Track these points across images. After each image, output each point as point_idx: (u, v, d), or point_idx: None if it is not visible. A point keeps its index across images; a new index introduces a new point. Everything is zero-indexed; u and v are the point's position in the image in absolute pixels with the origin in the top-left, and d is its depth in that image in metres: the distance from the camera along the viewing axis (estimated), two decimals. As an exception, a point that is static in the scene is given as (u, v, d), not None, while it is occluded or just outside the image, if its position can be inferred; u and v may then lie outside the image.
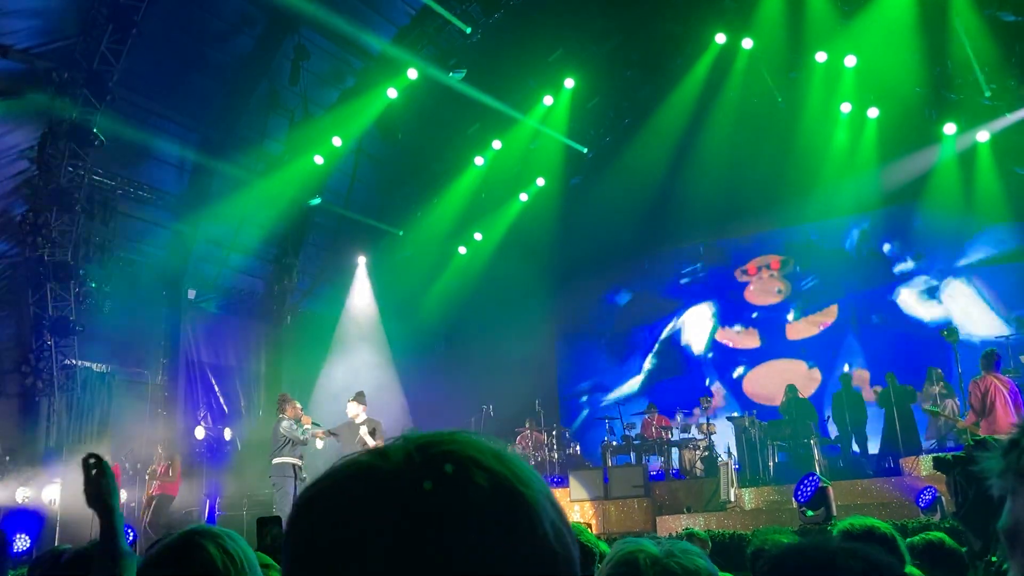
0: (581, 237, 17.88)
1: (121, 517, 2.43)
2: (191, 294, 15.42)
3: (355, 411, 10.99)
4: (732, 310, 18.53)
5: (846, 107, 16.08)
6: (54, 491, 12.36)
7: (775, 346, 17.76)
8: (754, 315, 18.27)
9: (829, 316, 17.53)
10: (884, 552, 1.87)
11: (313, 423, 11.11)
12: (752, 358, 17.97)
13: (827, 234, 17.56)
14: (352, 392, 11.47)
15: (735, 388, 17.91)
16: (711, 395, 15.18)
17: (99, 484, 2.40)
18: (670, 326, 18.97)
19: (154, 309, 14.99)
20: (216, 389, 15.83)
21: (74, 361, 13.26)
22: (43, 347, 12.91)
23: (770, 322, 18.04)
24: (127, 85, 13.39)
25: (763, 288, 18.40)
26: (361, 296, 17.73)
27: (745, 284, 18.59)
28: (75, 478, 12.19)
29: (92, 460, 2.40)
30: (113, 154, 13.74)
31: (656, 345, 19.00)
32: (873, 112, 15.94)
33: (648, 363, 18.97)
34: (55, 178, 13.05)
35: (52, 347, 12.95)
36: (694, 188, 16.54)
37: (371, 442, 10.57)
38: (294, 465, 10.82)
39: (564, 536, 0.76)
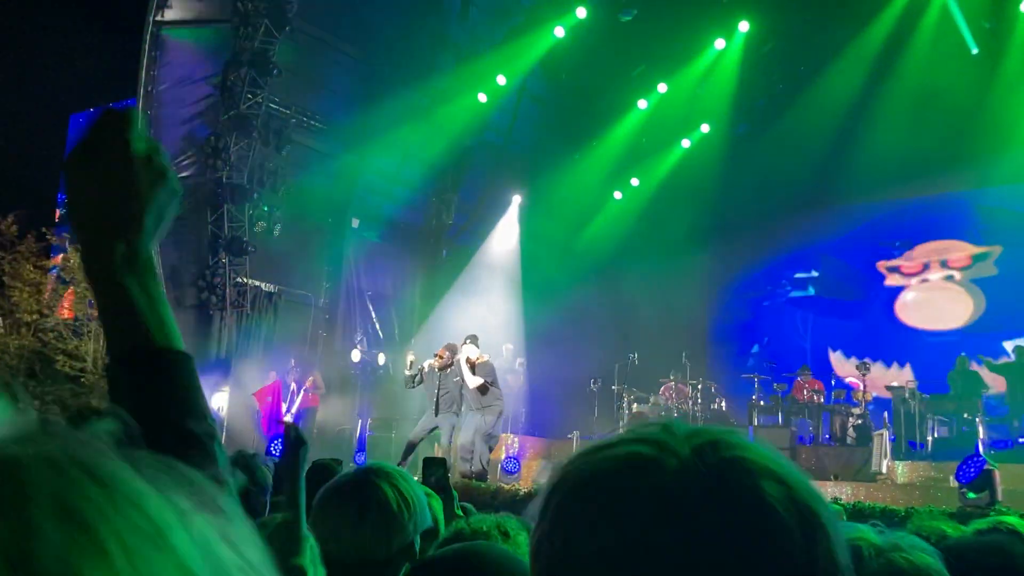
0: (744, 189, 17.12)
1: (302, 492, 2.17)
2: (355, 223, 15.93)
3: (476, 354, 11.20)
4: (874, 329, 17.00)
5: (1051, 61, 14.59)
6: (222, 399, 13.26)
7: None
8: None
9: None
10: None
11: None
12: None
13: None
14: (460, 336, 11.73)
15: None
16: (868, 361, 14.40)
17: (293, 459, 2.12)
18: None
19: (320, 235, 15.59)
20: (373, 315, 16.39)
21: (245, 280, 14.02)
22: (218, 265, 13.70)
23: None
24: (304, 17, 13.77)
25: (930, 297, 16.88)
26: (507, 235, 17.83)
27: (898, 289, 17.13)
28: (241, 389, 13.05)
29: (293, 433, 2.16)
30: (289, 84, 14.25)
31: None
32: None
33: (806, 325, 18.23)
34: (236, 105, 13.67)
35: (226, 265, 13.72)
36: (871, 144, 15.49)
37: (467, 374, 10.91)
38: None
39: (841, 561, 0.68)
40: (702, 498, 0.65)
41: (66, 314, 13.18)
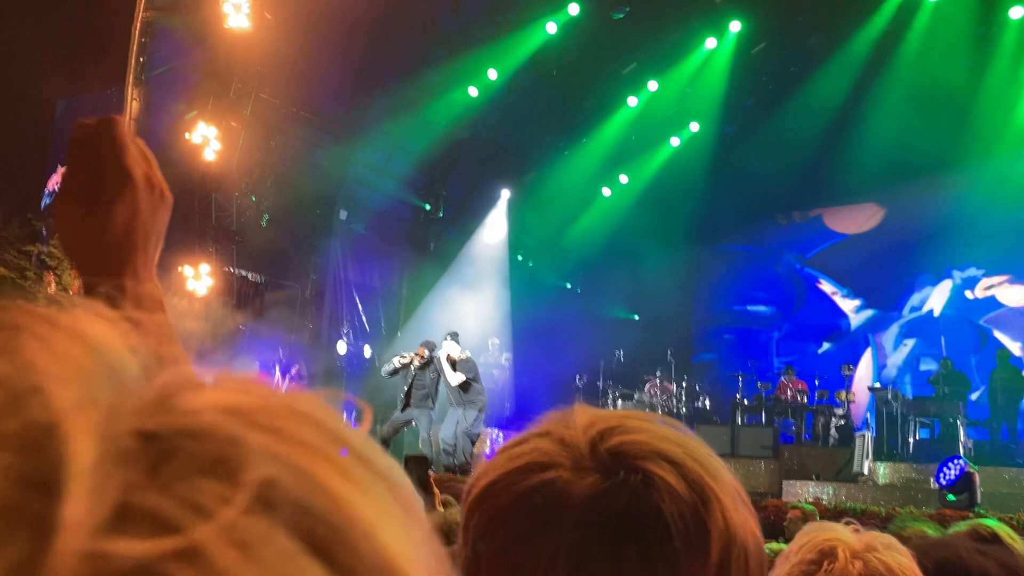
0: (732, 188, 17.26)
1: None
2: (343, 214, 15.90)
3: (457, 351, 11.22)
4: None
5: (1037, 70, 14.74)
6: (206, 389, 13.20)
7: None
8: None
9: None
10: (1015, 554, 1.88)
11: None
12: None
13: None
14: (447, 329, 11.82)
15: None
16: (854, 364, 14.56)
17: None
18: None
19: (307, 226, 15.55)
20: (359, 307, 16.37)
21: (231, 269, 13.99)
22: (204, 254, 13.67)
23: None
24: (296, 8, 13.72)
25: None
26: (495, 229, 17.90)
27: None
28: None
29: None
30: (278, 74, 14.21)
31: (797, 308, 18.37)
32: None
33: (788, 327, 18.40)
34: (225, 93, 13.62)
35: (213, 253, 13.70)
36: (857, 149, 15.64)
37: (449, 371, 11.00)
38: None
39: (736, 528, 0.72)
40: (594, 490, 0.69)
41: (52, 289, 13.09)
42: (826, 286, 18.20)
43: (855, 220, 17.81)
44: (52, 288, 13.31)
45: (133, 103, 13.42)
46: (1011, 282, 16.07)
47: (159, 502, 0.28)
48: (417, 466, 3.51)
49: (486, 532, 0.71)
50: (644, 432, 0.73)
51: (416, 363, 11.27)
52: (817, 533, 1.32)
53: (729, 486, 0.73)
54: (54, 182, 15.25)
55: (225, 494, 0.28)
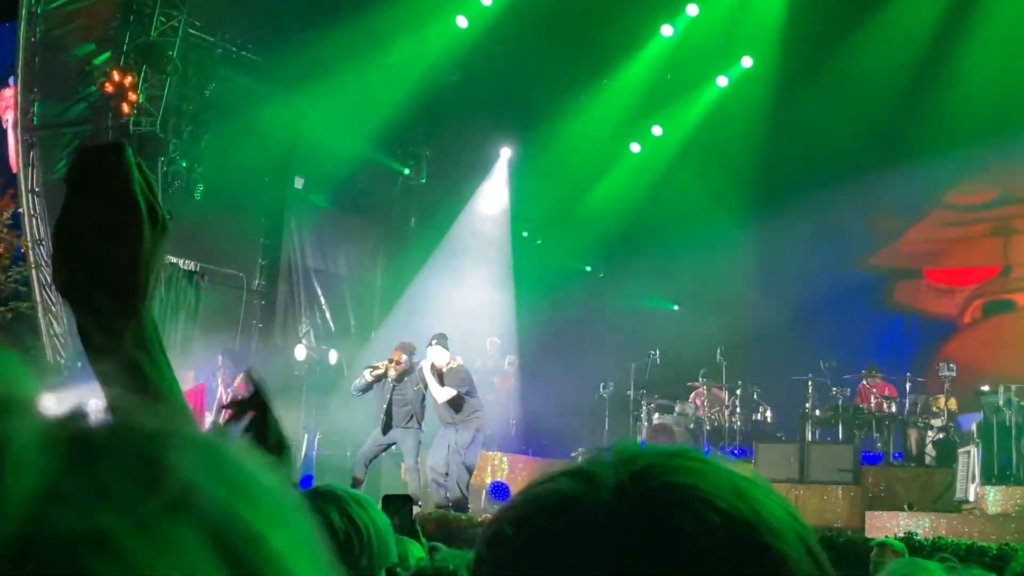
0: (797, 140, 17.09)
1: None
2: (298, 183, 15.86)
3: (445, 359, 11.16)
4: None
5: None
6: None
7: None
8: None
9: None
10: None
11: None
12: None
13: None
14: (433, 329, 11.84)
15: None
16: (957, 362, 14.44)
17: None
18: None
19: (255, 199, 15.52)
20: (322, 301, 16.34)
21: (158, 254, 13.96)
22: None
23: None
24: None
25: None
26: (493, 198, 17.80)
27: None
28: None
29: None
30: (215, 4, 14.12)
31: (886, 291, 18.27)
32: None
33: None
34: (145, 29, 13.54)
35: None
36: (957, 85, 15.49)
37: (434, 385, 10.99)
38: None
39: None
40: (621, 535, 0.70)
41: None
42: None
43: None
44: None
45: (27, 44, 13.35)
46: None
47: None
48: (398, 508, 3.55)
49: (483, 559, 0.75)
50: (688, 472, 0.74)
51: (392, 372, 11.18)
52: (907, 568, 1.34)
53: (797, 545, 0.72)
54: None
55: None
